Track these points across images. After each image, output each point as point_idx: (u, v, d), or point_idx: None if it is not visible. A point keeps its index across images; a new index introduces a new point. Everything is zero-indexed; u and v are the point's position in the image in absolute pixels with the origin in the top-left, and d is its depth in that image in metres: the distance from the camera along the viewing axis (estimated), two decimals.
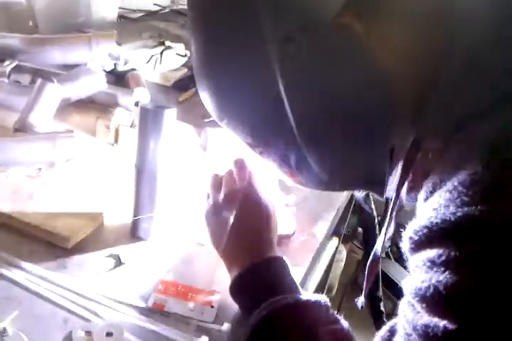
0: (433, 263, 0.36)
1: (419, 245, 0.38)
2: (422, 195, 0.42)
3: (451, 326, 0.33)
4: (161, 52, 1.31)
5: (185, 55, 1.38)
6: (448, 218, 0.35)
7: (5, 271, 0.65)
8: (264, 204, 0.67)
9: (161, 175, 0.72)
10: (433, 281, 0.35)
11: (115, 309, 0.63)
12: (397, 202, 0.53)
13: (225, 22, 0.46)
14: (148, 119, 0.69)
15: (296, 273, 0.67)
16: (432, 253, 0.36)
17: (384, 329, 0.44)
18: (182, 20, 1.99)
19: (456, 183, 0.36)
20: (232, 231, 0.66)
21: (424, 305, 0.36)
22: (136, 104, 1.13)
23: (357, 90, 0.43)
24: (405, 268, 1.71)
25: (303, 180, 0.55)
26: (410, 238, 0.39)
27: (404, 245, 0.40)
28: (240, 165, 0.71)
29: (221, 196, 0.70)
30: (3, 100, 0.96)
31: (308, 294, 0.58)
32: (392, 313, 1.71)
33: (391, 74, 0.42)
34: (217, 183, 0.72)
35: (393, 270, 1.77)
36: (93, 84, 1.00)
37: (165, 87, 1.33)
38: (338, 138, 0.48)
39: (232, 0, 0.46)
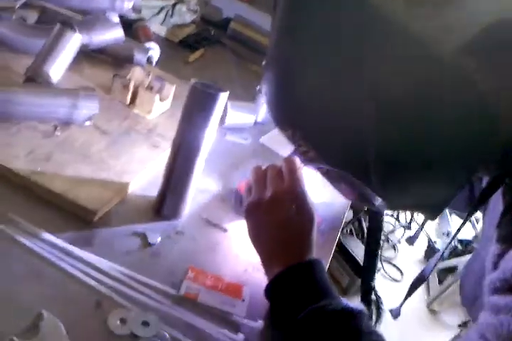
0: None
1: None
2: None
3: None
4: (173, 5, 1.19)
5: (196, 11, 1.26)
6: None
7: (26, 242, 0.57)
8: (310, 206, 0.65)
9: (200, 157, 0.66)
10: None
11: (148, 295, 0.58)
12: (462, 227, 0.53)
13: None
14: (200, 100, 0.62)
15: None
16: None
17: None
18: None
19: None
20: (276, 230, 0.63)
21: None
22: (149, 61, 1.03)
23: (456, 122, 0.39)
24: (362, 243, 1.77)
25: (351, 195, 0.52)
26: (506, 280, 0.39)
27: (490, 283, 0.41)
28: (291, 163, 0.67)
29: (267, 192, 0.65)
30: (9, 39, 0.83)
31: (348, 301, 0.57)
32: (349, 288, 1.78)
33: (497, 114, 0.39)
34: (261, 178, 0.68)
35: (353, 245, 1.83)
36: (111, 35, 0.89)
37: (171, 42, 1.23)
38: (418, 167, 0.43)
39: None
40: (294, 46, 0.43)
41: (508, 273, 0.39)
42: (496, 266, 0.42)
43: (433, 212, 0.49)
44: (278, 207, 0.64)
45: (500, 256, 0.42)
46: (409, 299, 0.68)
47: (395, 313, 0.75)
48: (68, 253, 0.58)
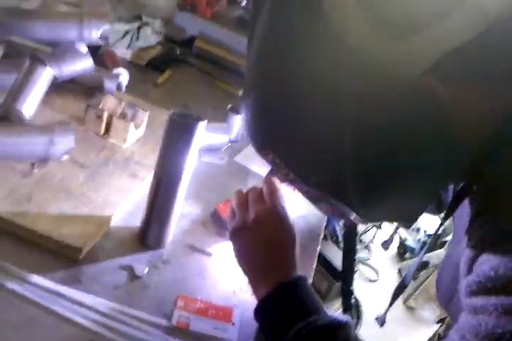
0: (508, 311, 0.38)
1: (490, 290, 0.40)
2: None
3: None
4: (138, 28, 1.19)
5: (161, 32, 1.27)
6: None
7: (13, 286, 0.57)
8: (291, 223, 0.67)
9: (182, 186, 0.67)
10: (508, 328, 0.38)
11: (140, 328, 0.59)
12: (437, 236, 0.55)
13: None
14: (178, 132, 0.63)
15: None
16: (507, 300, 0.38)
17: None
18: None
19: None
20: (261, 250, 0.65)
21: None
22: (119, 87, 1.03)
23: (425, 141, 0.42)
24: (339, 247, 1.79)
25: (338, 213, 0.54)
26: (480, 282, 0.41)
27: (466, 286, 0.43)
28: (271, 184, 0.69)
29: (250, 215, 0.67)
30: None
31: (334, 314, 0.59)
32: (327, 293, 1.81)
33: (463, 133, 0.42)
34: (243, 200, 0.69)
35: (329, 250, 1.86)
36: (80, 65, 0.89)
37: (138, 65, 1.23)
38: (393, 183, 0.47)
39: None
40: (267, 80, 0.45)
41: (482, 276, 0.41)
42: (470, 269, 0.44)
43: (408, 221, 0.53)
44: (262, 229, 0.66)
45: (473, 260, 0.44)
46: (385, 297, 0.70)
47: (381, 321, 0.78)
48: (58, 294, 0.58)
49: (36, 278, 0.58)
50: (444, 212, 0.57)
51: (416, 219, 0.52)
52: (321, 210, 0.56)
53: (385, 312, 0.73)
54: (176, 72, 1.27)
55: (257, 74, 0.47)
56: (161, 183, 0.67)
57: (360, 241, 2.26)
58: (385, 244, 1.93)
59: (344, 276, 1.18)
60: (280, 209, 0.68)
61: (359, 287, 2.02)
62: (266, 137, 0.49)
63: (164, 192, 0.67)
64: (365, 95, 0.40)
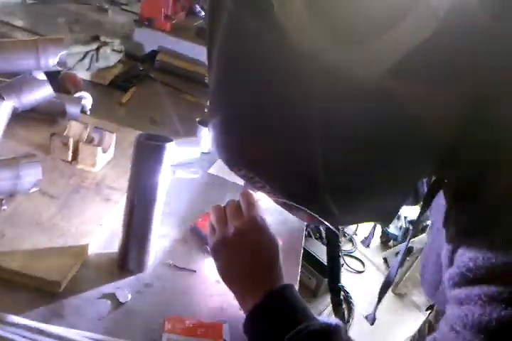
0: (491, 299, 0.38)
1: (472, 281, 0.40)
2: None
3: None
4: (97, 49, 1.16)
5: (121, 51, 1.24)
6: (510, 261, 0.38)
7: None
8: (272, 233, 0.67)
9: (157, 207, 0.65)
10: (494, 316, 0.38)
11: None
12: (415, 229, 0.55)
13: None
14: (147, 154, 0.61)
15: None
16: (489, 289, 0.39)
17: None
18: (96, 2, 1.79)
19: (504, 232, 0.39)
20: (244, 264, 0.64)
21: (482, 336, 0.38)
22: (83, 111, 1.00)
23: (393, 138, 0.42)
24: (324, 243, 1.79)
25: (315, 220, 0.54)
26: (462, 274, 0.41)
27: (449, 279, 0.43)
28: (248, 197, 0.68)
29: (230, 229, 0.66)
30: None
31: (324, 318, 0.59)
32: (317, 290, 1.81)
33: (429, 131, 0.42)
34: (221, 215, 0.68)
35: (314, 247, 1.86)
36: (40, 94, 0.86)
37: (101, 86, 1.20)
38: (365, 187, 0.47)
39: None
40: (231, 98, 0.45)
41: (463, 267, 0.41)
42: (451, 261, 0.45)
43: (385, 221, 0.53)
44: (242, 242, 0.65)
45: (453, 252, 0.44)
46: (373, 287, 0.70)
47: (371, 319, 0.78)
48: (41, 332, 0.56)
49: (16, 318, 0.56)
50: (421, 204, 0.58)
51: (392, 218, 0.52)
52: (299, 218, 0.56)
53: (375, 310, 0.72)
54: (140, 88, 1.24)
55: (220, 91, 0.46)
56: (134, 206, 0.65)
57: (344, 234, 2.27)
58: (366, 241, 1.95)
59: (330, 274, 1.17)
60: (259, 221, 0.67)
61: (347, 279, 2.03)
62: (236, 154, 0.49)
63: (139, 214, 0.65)
64: (328, 102, 0.39)
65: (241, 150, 0.48)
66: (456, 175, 0.46)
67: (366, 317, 0.70)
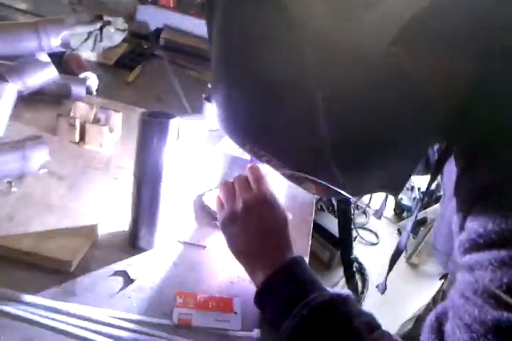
0: (503, 264, 0.38)
1: (482, 246, 0.40)
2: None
3: None
4: (100, 28, 1.14)
5: (125, 30, 1.22)
6: None
7: (8, 308, 0.55)
8: (281, 207, 0.66)
9: (164, 183, 0.64)
10: (505, 280, 0.37)
11: (142, 332, 0.57)
12: (424, 200, 0.58)
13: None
14: (151, 130, 0.60)
15: None
16: (499, 254, 0.38)
17: (430, 319, 0.46)
18: None
19: None
20: (254, 237, 0.64)
21: (492, 301, 0.38)
22: (89, 91, 0.99)
23: (397, 108, 0.41)
24: (334, 216, 1.78)
25: (318, 191, 0.53)
26: (473, 240, 0.41)
27: (459, 245, 0.43)
28: (256, 171, 0.68)
29: (238, 203, 0.65)
30: None
31: (335, 290, 0.59)
32: (330, 262, 1.81)
33: (434, 98, 0.41)
34: (230, 191, 0.68)
35: (326, 220, 1.85)
36: (44, 75, 0.85)
37: (107, 66, 1.18)
38: (373, 154, 0.45)
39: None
40: (233, 73, 0.44)
41: (473, 234, 0.41)
42: (462, 228, 0.44)
43: (395, 189, 0.52)
44: (251, 216, 0.65)
45: (463, 219, 0.44)
46: (388, 258, 0.69)
47: (382, 288, 0.77)
48: (55, 310, 0.56)
49: (30, 298, 0.56)
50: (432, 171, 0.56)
51: (402, 187, 0.51)
52: (308, 191, 0.55)
53: (385, 280, 0.72)
54: (146, 67, 1.22)
55: (222, 66, 0.45)
56: (141, 184, 0.64)
57: (357, 206, 2.26)
58: (377, 213, 1.93)
59: (342, 246, 1.17)
60: (268, 195, 0.66)
61: (361, 251, 2.02)
62: (241, 129, 0.48)
63: (146, 192, 0.65)
64: (331, 73, 0.39)
65: (245, 124, 0.47)
66: (466, 141, 0.45)
67: (377, 287, 0.69)
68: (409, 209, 2.31)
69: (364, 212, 2.30)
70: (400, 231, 2.23)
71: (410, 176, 0.50)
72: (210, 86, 0.51)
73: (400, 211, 2.33)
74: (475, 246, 0.41)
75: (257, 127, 0.46)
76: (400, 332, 1.04)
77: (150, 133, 0.60)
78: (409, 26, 0.36)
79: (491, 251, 0.39)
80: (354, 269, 1.16)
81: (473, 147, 0.44)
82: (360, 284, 1.91)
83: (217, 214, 0.71)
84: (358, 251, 2.00)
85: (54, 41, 0.84)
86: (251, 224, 0.65)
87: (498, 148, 0.40)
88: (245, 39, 0.41)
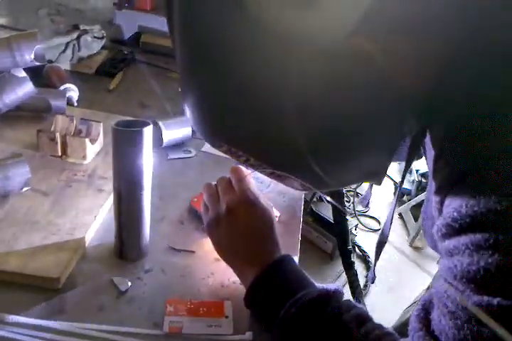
0: (479, 247, 0.37)
1: (458, 231, 0.39)
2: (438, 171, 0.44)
3: (505, 302, 0.35)
4: (78, 38, 1.13)
5: (103, 37, 1.21)
6: (493, 208, 0.36)
7: None
8: (264, 206, 0.66)
9: (145, 191, 0.64)
10: (482, 264, 0.36)
11: None
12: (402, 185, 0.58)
13: None
14: (126, 141, 0.59)
15: None
16: (475, 237, 0.37)
17: (417, 308, 0.46)
18: None
19: (492, 173, 0.37)
20: (239, 239, 0.64)
21: (472, 286, 0.37)
22: (70, 103, 0.98)
23: (367, 98, 0.41)
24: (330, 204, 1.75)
25: (301, 186, 0.52)
26: (448, 225, 0.40)
27: (437, 231, 0.42)
28: (238, 172, 0.68)
29: (222, 206, 0.65)
30: None
31: (323, 285, 0.58)
32: (334, 253, 1.80)
33: (400, 81, 0.40)
34: (213, 193, 0.68)
35: (326, 210, 1.85)
36: (21, 91, 0.84)
37: (87, 74, 1.17)
38: (349, 146, 0.45)
39: None
40: (199, 77, 0.43)
41: (448, 218, 0.40)
42: (440, 213, 0.43)
43: (377, 178, 0.52)
44: (235, 217, 0.65)
45: (441, 203, 0.43)
46: (390, 242, 0.68)
47: (371, 277, 0.77)
48: (44, 329, 0.56)
49: (18, 318, 0.56)
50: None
51: (383, 177, 0.51)
52: (291, 187, 0.54)
53: (373, 269, 0.72)
54: (128, 73, 1.21)
55: (187, 71, 0.45)
56: (121, 194, 0.63)
57: (357, 194, 2.25)
58: (364, 201, 1.91)
59: (339, 238, 1.16)
60: (249, 195, 0.66)
61: (363, 238, 2.02)
62: (214, 131, 0.48)
63: (127, 202, 0.64)
64: (295, 69, 0.38)
65: (217, 126, 0.46)
66: (436, 128, 0.44)
67: (366, 276, 0.68)
68: (409, 193, 2.30)
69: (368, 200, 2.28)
70: (401, 215, 2.21)
71: (388, 165, 0.50)
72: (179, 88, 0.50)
73: (400, 195, 2.32)
74: (451, 230, 0.40)
75: (230, 129, 0.45)
76: (402, 318, 1.04)
77: (123, 143, 0.59)
78: (367, 16, 0.35)
79: (467, 235, 0.38)
80: (352, 259, 1.15)
81: (449, 130, 0.43)
82: (364, 272, 1.91)
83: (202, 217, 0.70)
84: (361, 238, 1.99)
85: (28, 56, 0.83)
86: (235, 225, 0.64)
87: (476, 122, 0.39)
88: (205, 37, 0.40)
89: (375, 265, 0.69)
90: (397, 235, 2.06)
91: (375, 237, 2.09)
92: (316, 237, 1.90)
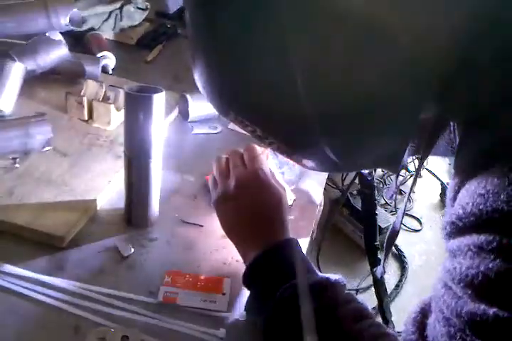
0: (481, 250, 0.35)
1: (462, 230, 0.37)
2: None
3: (502, 313, 0.32)
4: (121, 7, 1.14)
5: (147, 8, 1.22)
6: (500, 207, 0.34)
7: None
8: (275, 185, 0.65)
9: (154, 161, 0.64)
10: (481, 268, 0.34)
11: (126, 309, 0.58)
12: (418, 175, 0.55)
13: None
14: (136, 106, 0.59)
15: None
16: (478, 239, 0.35)
17: (415, 310, 0.44)
18: None
19: (506, 169, 0.35)
20: (245, 217, 0.63)
21: (469, 292, 0.35)
22: (104, 70, 1.00)
23: (382, 77, 0.38)
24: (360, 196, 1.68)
25: (314, 166, 0.50)
26: (453, 223, 0.38)
27: (443, 228, 0.40)
28: (252, 150, 0.67)
29: (231, 182, 0.64)
30: None
31: (325, 274, 0.56)
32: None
33: (418, 57, 0.37)
34: (223, 168, 0.68)
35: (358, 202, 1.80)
36: (55, 54, 0.86)
37: (128, 45, 1.19)
38: (362, 129, 0.42)
39: None
40: (208, 41, 0.42)
41: (453, 215, 0.38)
42: (453, 203, 0.41)
43: (392, 165, 0.49)
44: (244, 194, 0.64)
45: (454, 199, 0.41)
46: (430, 244, 0.66)
47: (380, 273, 0.74)
48: (40, 283, 0.58)
49: (16, 269, 0.58)
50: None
51: (398, 163, 0.47)
52: (300, 163, 0.52)
53: (383, 263, 0.69)
54: (167, 47, 1.22)
55: (197, 35, 0.43)
56: (131, 160, 0.64)
57: (401, 192, 2.17)
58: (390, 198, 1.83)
59: (366, 233, 1.13)
60: (261, 173, 0.65)
61: (402, 238, 1.95)
62: (221, 98, 0.46)
63: (136, 168, 0.64)
64: (310, 39, 0.36)
65: (225, 93, 0.45)
66: (463, 110, 0.42)
67: (375, 271, 0.66)
68: None
69: (408, 198, 2.20)
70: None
71: (403, 152, 0.46)
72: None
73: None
74: (456, 229, 0.38)
75: (237, 97, 0.44)
76: None
77: (134, 108, 0.60)
78: None
79: (471, 236, 0.36)
80: (379, 257, 1.11)
81: (470, 116, 0.40)
82: (398, 273, 1.85)
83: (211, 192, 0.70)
84: (400, 238, 1.93)
85: (63, 20, 0.85)
86: (243, 203, 0.64)
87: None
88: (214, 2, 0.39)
89: (385, 259, 0.67)
90: (436, 238, 1.98)
91: (414, 237, 2.02)
92: (352, 231, 1.86)
